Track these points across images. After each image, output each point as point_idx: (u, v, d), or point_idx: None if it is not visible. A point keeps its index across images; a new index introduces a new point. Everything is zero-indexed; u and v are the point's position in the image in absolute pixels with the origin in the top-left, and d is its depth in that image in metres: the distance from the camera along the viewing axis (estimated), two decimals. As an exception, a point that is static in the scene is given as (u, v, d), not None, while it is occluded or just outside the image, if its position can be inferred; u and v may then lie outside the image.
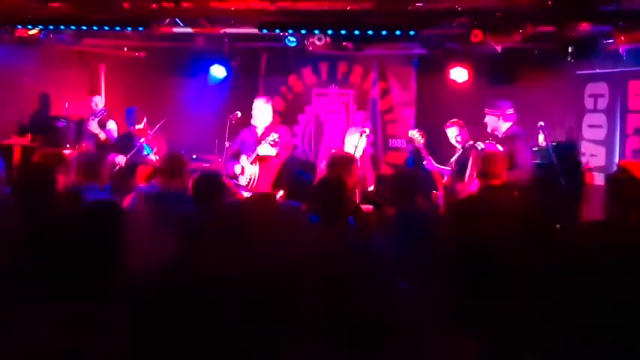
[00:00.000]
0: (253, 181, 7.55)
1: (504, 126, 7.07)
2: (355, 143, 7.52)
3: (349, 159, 6.00)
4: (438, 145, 7.97)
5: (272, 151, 7.50)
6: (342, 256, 3.27)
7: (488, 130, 7.13)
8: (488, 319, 2.88)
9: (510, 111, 7.08)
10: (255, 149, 7.53)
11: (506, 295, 2.97)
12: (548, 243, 3.46)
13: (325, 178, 4.75)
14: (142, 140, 7.81)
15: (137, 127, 8.00)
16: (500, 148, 6.74)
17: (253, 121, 7.82)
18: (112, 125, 8.41)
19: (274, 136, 7.42)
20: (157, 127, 7.96)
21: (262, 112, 7.81)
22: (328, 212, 4.38)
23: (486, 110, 7.15)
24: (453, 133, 7.63)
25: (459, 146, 7.57)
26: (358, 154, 7.38)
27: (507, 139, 6.96)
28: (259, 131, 7.79)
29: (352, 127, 8.08)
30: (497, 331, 2.85)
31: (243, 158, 7.64)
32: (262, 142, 7.46)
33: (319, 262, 3.18)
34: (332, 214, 4.36)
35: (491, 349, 2.80)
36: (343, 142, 7.86)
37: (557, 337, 2.84)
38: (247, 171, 7.59)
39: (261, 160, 7.54)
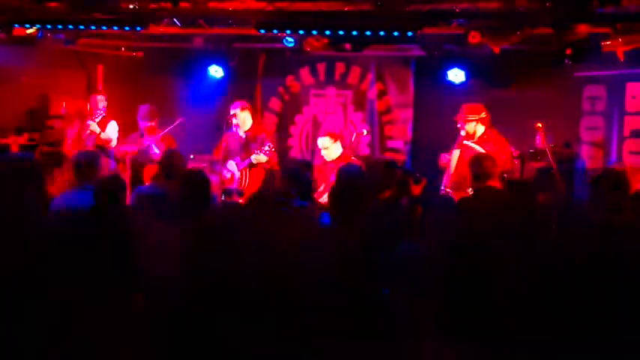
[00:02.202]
0: (244, 185, 7.72)
1: (480, 130, 7.19)
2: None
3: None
4: (436, 146, 7.99)
5: (265, 159, 7.72)
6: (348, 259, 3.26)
7: (464, 134, 7.27)
8: (482, 321, 2.89)
9: (484, 114, 7.26)
10: (246, 156, 7.75)
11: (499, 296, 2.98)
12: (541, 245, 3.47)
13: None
14: (150, 140, 7.85)
15: (149, 124, 8.05)
16: (480, 149, 6.89)
17: (235, 128, 8.01)
18: (112, 125, 8.37)
19: (270, 145, 7.63)
20: (167, 129, 8.00)
21: (242, 120, 7.98)
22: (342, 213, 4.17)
23: (462, 116, 7.28)
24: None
25: None
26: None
27: (490, 138, 7.18)
28: (242, 134, 8.00)
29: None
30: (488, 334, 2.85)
31: (232, 165, 7.86)
32: (258, 151, 7.65)
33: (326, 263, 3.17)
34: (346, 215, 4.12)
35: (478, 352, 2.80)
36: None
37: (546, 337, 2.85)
38: (236, 176, 7.82)
39: (251, 165, 7.77)
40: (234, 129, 8.02)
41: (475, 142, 7.20)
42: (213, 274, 3.13)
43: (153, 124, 8.06)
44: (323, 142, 7.87)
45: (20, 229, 3.41)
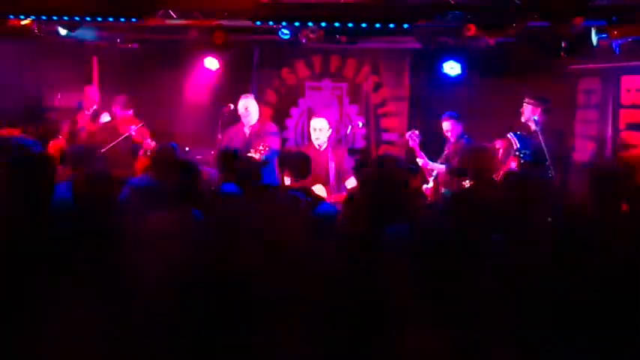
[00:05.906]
0: None
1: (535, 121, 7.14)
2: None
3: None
4: (432, 139, 7.99)
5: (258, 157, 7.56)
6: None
7: (523, 119, 7.22)
8: (463, 312, 2.89)
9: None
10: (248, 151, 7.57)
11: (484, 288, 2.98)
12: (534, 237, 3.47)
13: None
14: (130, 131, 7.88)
15: (125, 113, 8.08)
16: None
17: (246, 119, 7.95)
18: (105, 118, 8.38)
19: (264, 145, 7.44)
20: (136, 128, 7.94)
21: (254, 112, 7.97)
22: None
23: (529, 100, 7.24)
24: (446, 126, 7.74)
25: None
26: None
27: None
28: (247, 130, 7.94)
29: None
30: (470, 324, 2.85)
31: None
32: (252, 149, 7.47)
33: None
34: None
35: (464, 342, 2.80)
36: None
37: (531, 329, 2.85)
38: None
39: None
40: (244, 120, 7.97)
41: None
42: (210, 267, 3.12)
43: (129, 113, 8.10)
44: (321, 123, 7.68)
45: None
